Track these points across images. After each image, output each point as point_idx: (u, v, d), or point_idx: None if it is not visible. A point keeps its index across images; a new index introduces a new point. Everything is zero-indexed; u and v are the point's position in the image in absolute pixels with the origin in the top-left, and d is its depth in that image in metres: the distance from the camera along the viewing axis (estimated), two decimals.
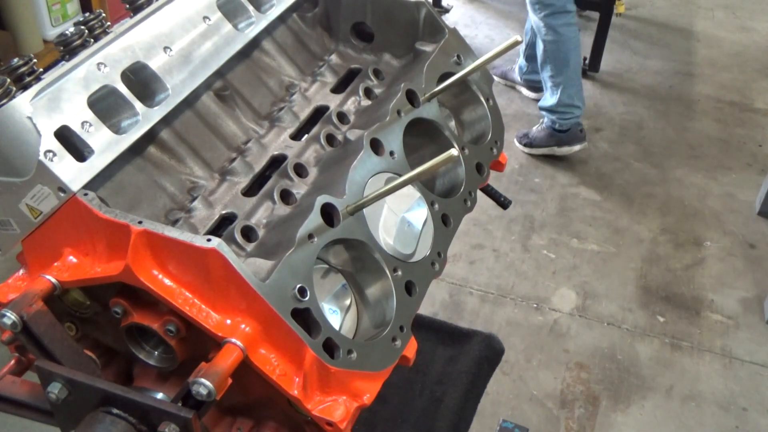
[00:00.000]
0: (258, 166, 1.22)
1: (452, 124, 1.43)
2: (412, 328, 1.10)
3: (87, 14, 1.14)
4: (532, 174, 3.71)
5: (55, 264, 1.01)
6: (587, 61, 4.54)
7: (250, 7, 1.31)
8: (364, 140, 1.14)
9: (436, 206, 1.21)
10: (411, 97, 1.25)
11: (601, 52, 4.48)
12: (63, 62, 1.06)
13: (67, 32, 1.09)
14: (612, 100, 4.35)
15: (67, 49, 1.08)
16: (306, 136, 1.29)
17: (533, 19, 3.51)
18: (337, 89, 1.41)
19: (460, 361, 1.68)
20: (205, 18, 1.22)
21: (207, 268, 0.92)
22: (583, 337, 2.85)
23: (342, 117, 1.30)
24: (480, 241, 3.29)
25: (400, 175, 1.09)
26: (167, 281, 0.94)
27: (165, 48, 1.14)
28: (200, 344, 0.98)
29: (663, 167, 3.79)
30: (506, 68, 4.24)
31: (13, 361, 1.12)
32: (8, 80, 1.01)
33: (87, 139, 1.00)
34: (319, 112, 1.35)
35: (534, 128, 3.72)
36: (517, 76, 4.18)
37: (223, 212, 1.14)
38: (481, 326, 1.86)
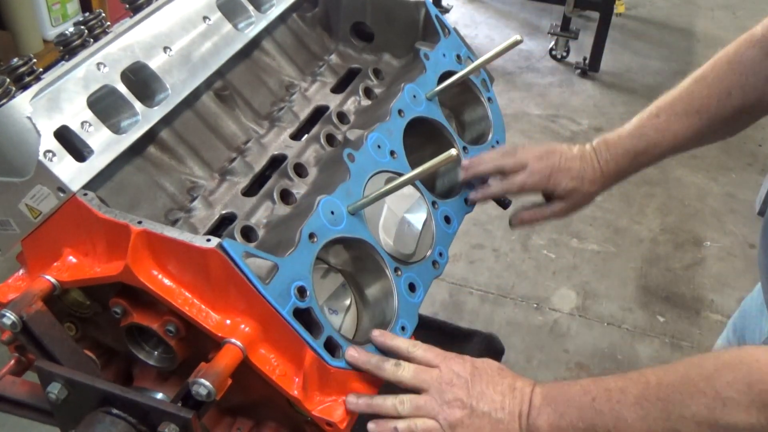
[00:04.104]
0: (258, 166, 1.22)
1: (452, 123, 1.43)
2: None
3: (87, 14, 1.14)
4: None
5: (55, 264, 1.01)
6: (587, 61, 4.54)
7: (250, 7, 1.31)
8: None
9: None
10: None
11: (601, 52, 4.48)
12: (63, 62, 1.06)
13: (66, 32, 1.09)
14: (612, 100, 4.35)
15: (67, 49, 1.08)
16: (306, 135, 1.29)
17: None
18: (337, 89, 1.41)
19: None
20: (204, 18, 1.22)
21: (207, 268, 0.91)
22: (583, 337, 2.86)
23: (342, 117, 1.30)
24: (480, 241, 3.29)
25: (401, 175, 1.09)
26: (167, 281, 0.94)
27: (165, 48, 1.14)
28: (200, 344, 0.98)
29: (663, 167, 3.80)
30: None
31: (12, 361, 1.12)
32: (8, 80, 1.01)
33: (87, 139, 1.00)
34: (319, 112, 1.35)
35: None
36: None
37: (223, 212, 1.14)
38: (481, 326, 1.88)
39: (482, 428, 0.95)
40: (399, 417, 0.97)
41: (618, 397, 0.90)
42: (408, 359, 1.01)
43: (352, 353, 0.98)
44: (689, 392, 0.85)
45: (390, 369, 0.99)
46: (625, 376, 0.92)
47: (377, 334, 1.01)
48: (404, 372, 0.99)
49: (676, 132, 1.27)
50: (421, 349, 1.01)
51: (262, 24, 1.32)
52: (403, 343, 1.02)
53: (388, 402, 0.97)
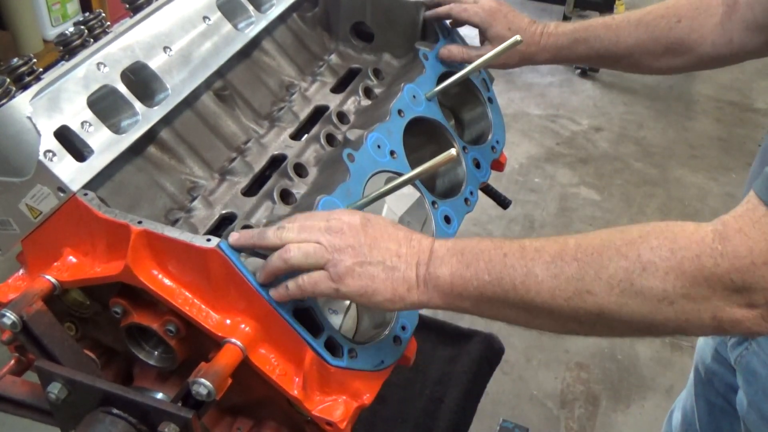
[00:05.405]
0: (258, 166, 1.22)
1: (452, 123, 1.43)
2: None
3: (87, 14, 1.14)
4: (532, 174, 3.71)
5: (55, 264, 1.01)
6: None
7: (250, 7, 1.31)
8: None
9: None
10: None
11: None
12: (63, 62, 1.06)
13: (66, 32, 1.09)
14: (612, 100, 4.35)
15: (67, 49, 1.08)
16: (306, 135, 1.29)
17: None
18: (337, 89, 1.41)
19: (460, 361, 1.68)
20: (204, 18, 1.22)
21: (207, 268, 0.91)
22: (583, 337, 2.85)
23: (342, 117, 1.30)
24: None
25: (400, 175, 1.09)
26: (167, 281, 0.94)
27: (165, 48, 1.14)
28: (200, 344, 0.98)
29: (663, 167, 3.80)
30: None
31: (13, 361, 1.12)
32: (8, 80, 1.01)
33: (87, 139, 1.00)
34: (319, 112, 1.35)
35: None
36: None
37: (223, 212, 1.14)
38: (481, 326, 1.87)
39: (375, 277, 0.90)
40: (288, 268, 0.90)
41: (532, 255, 0.86)
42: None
43: (234, 235, 0.91)
44: (609, 255, 0.82)
45: (272, 233, 0.91)
46: (544, 238, 0.89)
47: (235, 238, 0.91)
48: (288, 232, 0.91)
49: (619, 34, 1.34)
50: (301, 216, 0.94)
51: (262, 24, 1.32)
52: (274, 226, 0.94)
53: (274, 257, 0.90)
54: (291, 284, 0.91)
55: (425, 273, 0.91)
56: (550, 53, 1.38)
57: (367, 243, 0.91)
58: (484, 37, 1.39)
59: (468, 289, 0.89)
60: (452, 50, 1.38)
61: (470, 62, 1.35)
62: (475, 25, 1.39)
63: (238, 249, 0.92)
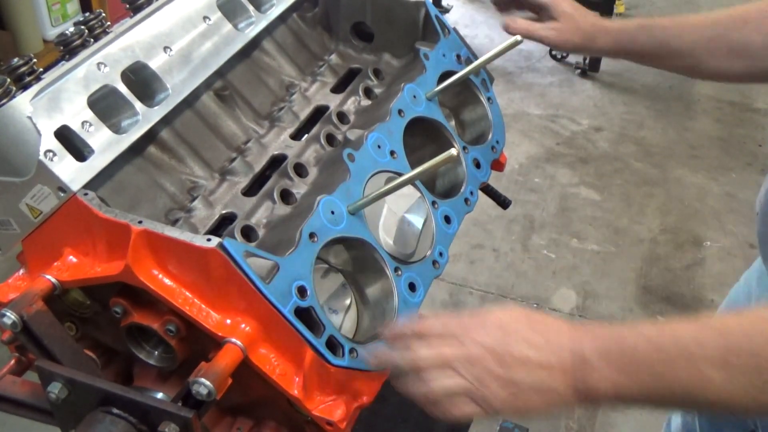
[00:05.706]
0: (258, 166, 1.22)
1: (452, 123, 1.43)
2: None
3: (87, 14, 1.14)
4: (532, 174, 3.71)
5: (55, 264, 1.01)
6: (587, 61, 4.54)
7: (250, 7, 1.31)
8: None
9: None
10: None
11: None
12: (63, 62, 1.06)
13: (67, 32, 1.09)
14: (612, 100, 4.35)
15: (67, 49, 1.08)
16: (306, 135, 1.29)
17: None
18: (337, 89, 1.41)
19: None
20: (205, 18, 1.22)
21: (207, 267, 0.92)
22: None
23: (342, 117, 1.30)
24: (480, 241, 3.29)
25: (401, 175, 1.09)
26: (167, 281, 0.94)
27: (165, 48, 1.14)
28: (200, 344, 0.98)
29: (663, 167, 3.80)
30: None
31: (13, 361, 1.12)
32: (8, 80, 1.01)
33: (87, 139, 1.00)
34: (319, 112, 1.35)
35: None
36: None
37: (223, 212, 1.14)
38: None
39: (529, 401, 0.85)
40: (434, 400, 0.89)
41: (698, 353, 0.78)
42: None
43: (370, 358, 0.93)
44: None
45: (406, 358, 0.90)
46: (699, 325, 0.81)
47: (370, 359, 0.94)
48: (424, 351, 0.88)
49: (684, 28, 1.33)
50: (437, 321, 0.91)
51: (262, 24, 1.32)
52: (410, 325, 0.93)
53: (423, 390, 0.88)
54: (437, 412, 0.88)
55: (583, 388, 0.85)
56: (612, 37, 1.37)
57: (514, 366, 0.85)
58: (549, 15, 1.39)
59: (632, 393, 0.84)
60: (518, 21, 1.39)
61: (530, 37, 1.36)
62: (541, 5, 1.39)
63: (378, 366, 0.95)
